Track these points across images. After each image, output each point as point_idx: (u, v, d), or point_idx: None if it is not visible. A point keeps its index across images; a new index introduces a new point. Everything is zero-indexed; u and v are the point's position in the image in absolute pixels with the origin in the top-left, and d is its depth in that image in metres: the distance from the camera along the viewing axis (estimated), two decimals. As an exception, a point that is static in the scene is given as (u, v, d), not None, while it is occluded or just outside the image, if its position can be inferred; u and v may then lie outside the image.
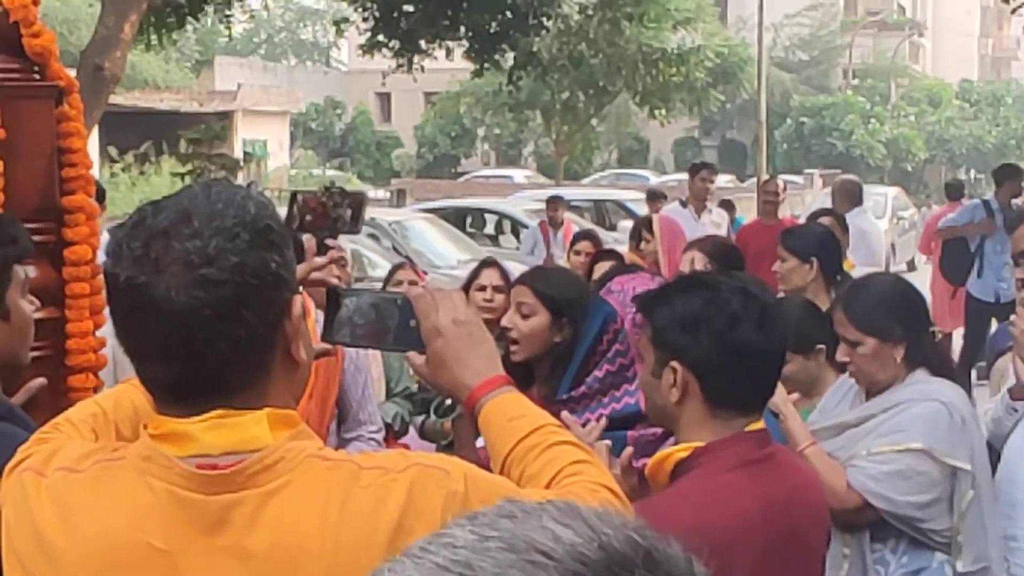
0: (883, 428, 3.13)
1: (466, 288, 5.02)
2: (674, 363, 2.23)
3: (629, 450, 2.43)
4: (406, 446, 4.92)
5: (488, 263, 5.09)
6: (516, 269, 7.86)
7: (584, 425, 2.73)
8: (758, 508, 2.21)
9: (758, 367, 2.26)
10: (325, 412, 3.83)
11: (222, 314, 1.44)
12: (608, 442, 2.48)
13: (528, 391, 3.55)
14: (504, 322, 3.63)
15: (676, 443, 2.30)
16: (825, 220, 6.41)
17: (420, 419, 4.72)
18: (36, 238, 2.53)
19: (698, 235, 8.99)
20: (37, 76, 2.56)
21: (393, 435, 4.52)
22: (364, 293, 1.84)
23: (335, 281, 1.85)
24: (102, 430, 1.74)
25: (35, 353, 2.54)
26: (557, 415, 2.62)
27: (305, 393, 3.69)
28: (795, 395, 3.26)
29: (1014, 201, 9.84)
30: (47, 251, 2.56)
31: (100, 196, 7.02)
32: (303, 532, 1.46)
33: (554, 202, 13.12)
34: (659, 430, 2.63)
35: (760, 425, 2.30)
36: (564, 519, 0.83)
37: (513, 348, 3.60)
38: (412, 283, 4.91)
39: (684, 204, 10.06)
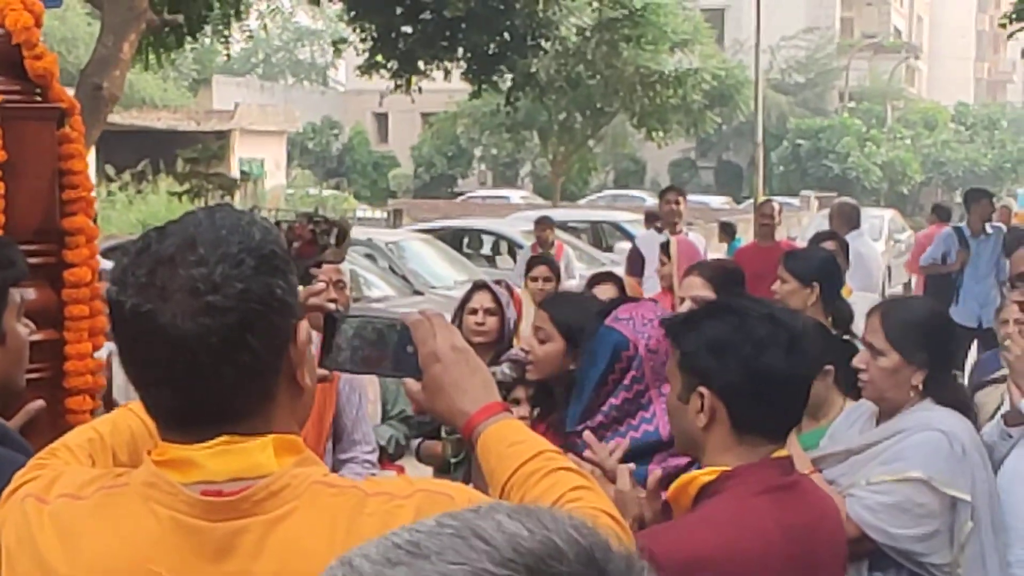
0: (884, 456, 3.12)
1: (459, 311, 5.01)
2: (701, 388, 2.24)
3: (657, 473, 2.44)
4: (401, 468, 4.91)
5: (479, 286, 5.07)
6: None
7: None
8: (780, 534, 2.20)
9: (785, 394, 2.26)
10: (322, 433, 3.84)
11: (228, 341, 1.43)
12: (632, 465, 2.48)
13: (552, 416, 3.59)
14: (523, 343, 3.67)
15: (700, 468, 2.30)
16: (828, 244, 6.40)
17: (417, 442, 4.72)
18: (36, 260, 2.54)
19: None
20: (39, 98, 2.57)
21: (388, 458, 4.50)
22: (362, 318, 1.83)
23: (332, 306, 1.85)
24: (99, 455, 1.74)
25: (33, 375, 2.53)
26: (573, 446, 2.62)
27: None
28: None
29: (997, 223, 9.95)
30: (47, 273, 2.56)
31: None
32: (309, 559, 1.45)
33: (542, 223, 12.88)
34: (682, 462, 2.60)
35: (785, 452, 2.30)
36: (517, 515, 0.89)
37: (529, 368, 3.66)
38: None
39: (660, 229, 10.05)
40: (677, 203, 9.87)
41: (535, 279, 7.15)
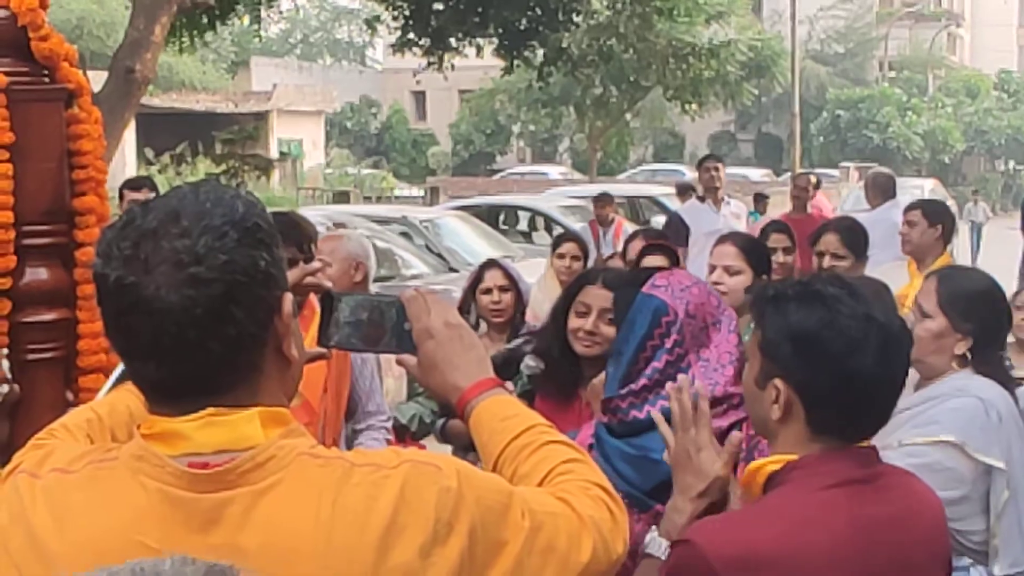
0: (918, 420, 3.10)
1: (470, 291, 4.98)
2: (778, 381, 2.07)
3: (737, 435, 2.34)
4: (422, 447, 4.92)
5: (489, 264, 5.04)
6: (537, 266, 7.70)
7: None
8: (854, 531, 2.02)
9: (872, 398, 2.08)
10: (340, 405, 3.86)
11: (212, 312, 1.44)
12: (740, 434, 2.45)
13: (578, 389, 3.59)
14: (589, 327, 3.66)
15: (771, 454, 2.17)
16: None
17: (441, 421, 4.71)
18: (47, 240, 2.56)
19: (719, 227, 9.01)
20: (46, 79, 2.58)
21: (411, 436, 4.50)
22: (359, 296, 1.84)
23: (329, 284, 1.86)
24: (97, 435, 1.75)
25: (47, 354, 2.56)
26: (615, 411, 2.64)
27: (320, 388, 3.73)
28: None
29: None
30: (58, 253, 2.58)
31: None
32: (296, 530, 1.46)
33: (602, 200, 12.35)
34: (724, 424, 2.61)
35: (868, 442, 2.14)
36: None
37: (588, 344, 3.64)
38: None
39: (702, 199, 10.02)
40: (716, 170, 9.85)
41: (562, 256, 6.89)
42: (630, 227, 12.61)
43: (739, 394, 2.66)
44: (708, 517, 2.14)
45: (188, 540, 1.46)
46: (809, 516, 2.02)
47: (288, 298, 1.54)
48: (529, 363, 4.12)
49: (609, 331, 3.62)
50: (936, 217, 6.24)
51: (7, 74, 2.47)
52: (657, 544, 2.22)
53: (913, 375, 3.31)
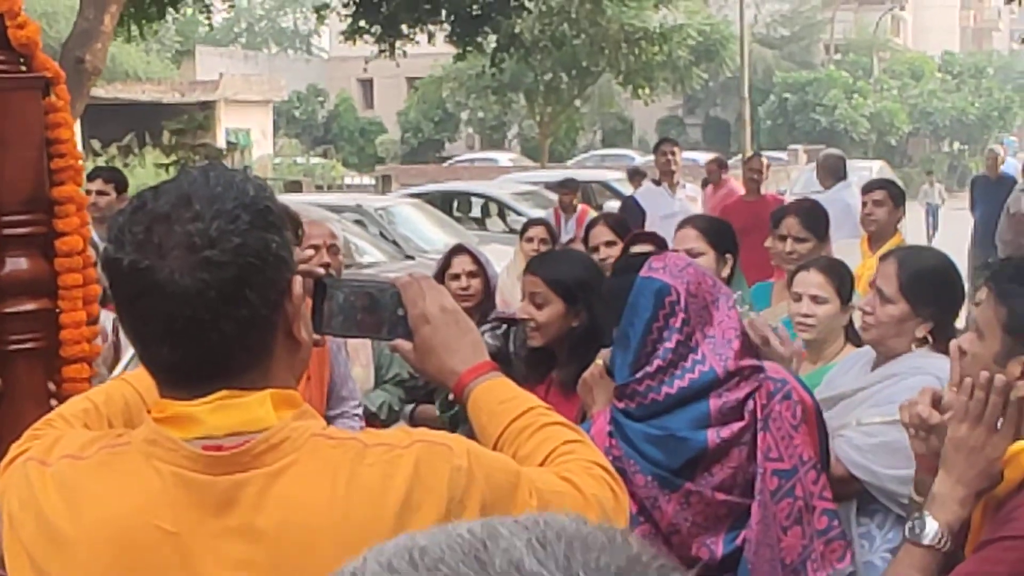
0: (876, 398, 3.15)
1: (439, 277, 4.99)
2: None
3: (928, 391, 2.27)
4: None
5: (457, 250, 5.02)
6: (492, 252, 7.69)
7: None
8: None
9: None
10: (323, 391, 3.87)
11: (226, 295, 1.45)
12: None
13: (548, 377, 3.62)
14: (520, 313, 3.69)
15: (1020, 437, 2.10)
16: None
17: (410, 408, 4.72)
18: (27, 230, 2.54)
19: (675, 211, 9.08)
20: (23, 68, 2.56)
21: (380, 424, 4.51)
22: (352, 283, 1.84)
23: (321, 271, 1.86)
24: (94, 425, 1.75)
25: (29, 345, 2.55)
26: (632, 396, 2.69)
27: (303, 375, 3.73)
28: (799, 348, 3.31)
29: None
30: (38, 243, 2.57)
31: (123, 187, 7.00)
32: (311, 510, 1.47)
33: (567, 186, 12.08)
34: (740, 395, 2.66)
35: None
36: (547, 540, 0.79)
37: (532, 335, 3.67)
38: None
39: (657, 183, 10.08)
40: (672, 154, 9.91)
41: (530, 240, 6.88)
42: (595, 214, 12.62)
43: (749, 366, 2.71)
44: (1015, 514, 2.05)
45: (204, 523, 1.47)
46: None
47: (298, 280, 1.56)
48: (488, 340, 4.14)
49: (537, 314, 3.64)
50: (900, 199, 6.35)
51: (-15, 63, 2.46)
52: (933, 533, 2.11)
53: (871, 354, 3.37)
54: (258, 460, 1.48)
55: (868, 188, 6.66)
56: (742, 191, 10.32)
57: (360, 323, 1.82)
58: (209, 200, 1.47)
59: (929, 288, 3.19)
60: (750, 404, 2.68)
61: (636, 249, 5.00)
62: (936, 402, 2.20)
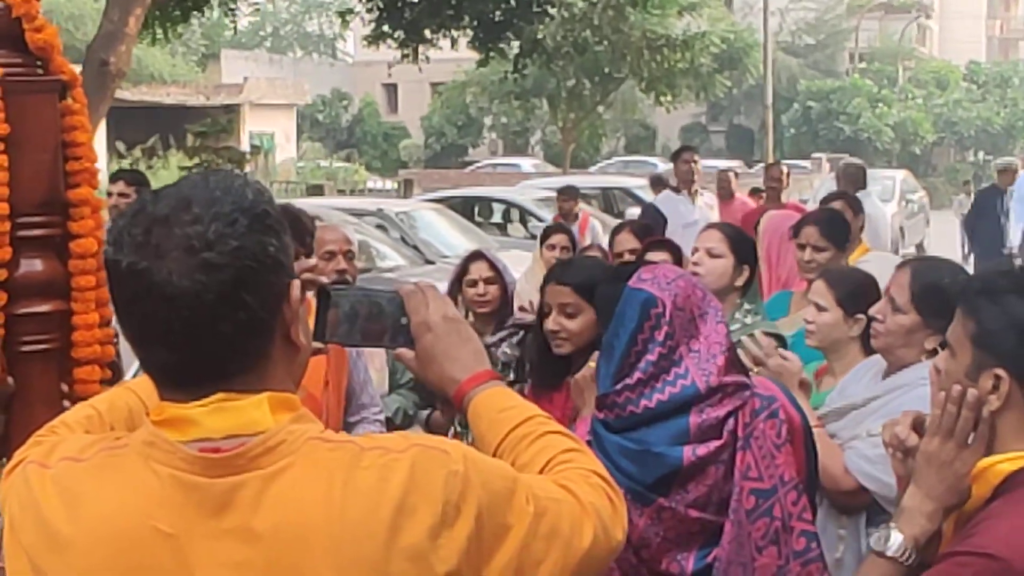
0: (885, 409, 3.14)
1: (456, 283, 4.99)
2: (999, 371, 2.05)
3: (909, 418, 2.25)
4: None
5: (475, 256, 5.03)
6: (513, 258, 7.69)
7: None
8: None
9: None
10: (340, 397, 3.87)
11: (223, 297, 1.46)
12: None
13: (565, 382, 3.60)
14: (551, 325, 3.68)
15: (991, 452, 2.09)
16: (837, 204, 6.39)
17: (426, 413, 4.72)
18: (41, 231, 2.55)
19: (696, 219, 9.07)
20: (40, 71, 2.57)
21: (395, 429, 4.52)
22: (356, 291, 1.85)
23: (324, 279, 1.87)
24: (96, 431, 1.76)
25: (42, 346, 2.56)
26: (611, 407, 2.65)
27: (321, 381, 3.73)
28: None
29: None
30: (53, 244, 2.57)
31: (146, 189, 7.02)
32: (307, 512, 1.47)
33: (565, 193, 12.04)
34: (721, 413, 2.63)
35: None
36: None
37: (561, 343, 3.65)
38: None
39: (676, 190, 10.06)
40: (695, 162, 9.92)
41: (552, 247, 6.89)
42: (596, 221, 12.56)
43: (733, 383, 2.68)
44: (989, 525, 2.02)
45: (201, 524, 1.48)
46: None
47: (296, 284, 1.57)
48: (505, 350, 4.14)
49: (570, 324, 3.64)
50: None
51: (2, 65, 2.45)
52: (897, 545, 2.10)
53: (882, 363, 3.36)
54: (255, 462, 1.49)
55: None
56: (751, 204, 10.27)
57: (363, 331, 1.83)
58: (208, 203, 1.48)
59: (941, 300, 3.18)
60: (730, 423, 2.63)
61: (651, 256, 4.99)
62: (918, 425, 2.19)
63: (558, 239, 6.98)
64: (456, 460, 1.54)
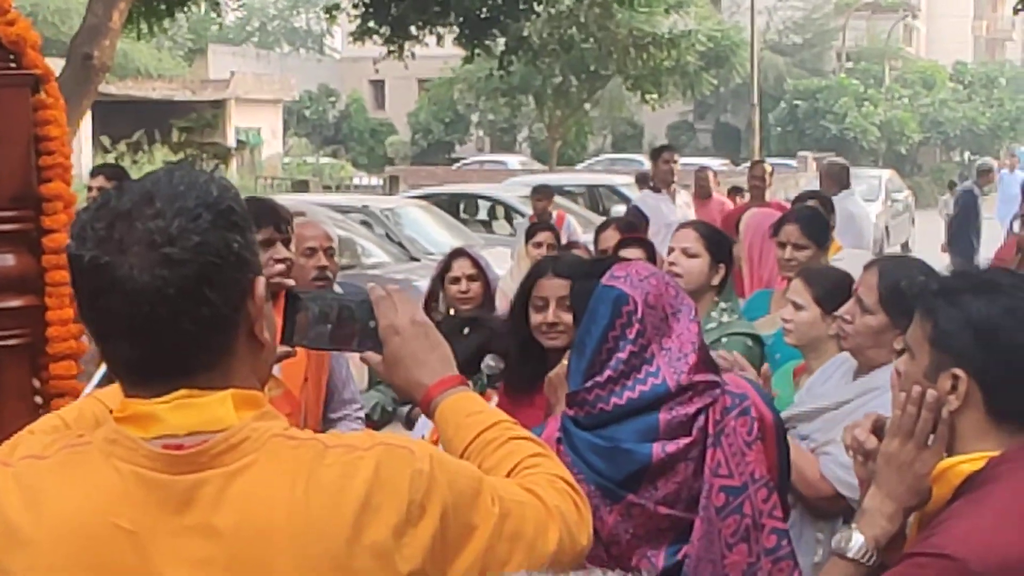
0: (858, 413, 3.13)
1: (439, 280, 4.99)
2: (957, 371, 2.05)
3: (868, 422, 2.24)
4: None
5: (457, 253, 5.05)
6: (498, 255, 7.69)
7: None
8: None
9: None
10: (320, 394, 3.86)
11: (185, 292, 1.46)
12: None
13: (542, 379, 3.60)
14: (550, 318, 3.67)
15: (952, 453, 2.09)
16: (812, 203, 6.42)
17: (406, 409, 4.72)
18: (14, 226, 2.55)
19: (679, 219, 9.08)
20: (13, 64, 2.56)
21: (372, 424, 4.51)
22: (326, 296, 1.86)
23: (291, 282, 1.86)
24: None
25: (15, 341, 2.55)
26: (581, 404, 2.65)
27: (300, 378, 3.73)
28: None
29: None
30: (26, 239, 2.57)
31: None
32: (270, 509, 1.47)
33: (539, 193, 11.90)
34: (691, 410, 2.63)
35: None
36: None
37: (557, 336, 3.65)
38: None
39: (657, 189, 10.06)
40: (674, 162, 9.93)
41: (539, 245, 6.93)
42: (572, 218, 12.51)
43: (703, 381, 2.68)
44: (948, 525, 2.01)
45: (163, 521, 1.48)
46: None
47: (261, 281, 1.56)
48: (489, 363, 4.13)
49: (568, 318, 3.63)
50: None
51: (-27, 59, 2.46)
52: (858, 546, 2.09)
53: (851, 362, 3.36)
54: (217, 460, 1.49)
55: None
56: (730, 206, 10.27)
57: (332, 335, 1.83)
58: (171, 198, 1.48)
59: (908, 300, 3.18)
60: (700, 420, 2.63)
61: (625, 253, 5.00)
62: (878, 427, 2.19)
63: (544, 236, 7.01)
64: (422, 459, 1.54)
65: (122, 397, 1.56)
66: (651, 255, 5.06)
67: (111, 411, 1.56)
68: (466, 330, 4.48)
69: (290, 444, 1.52)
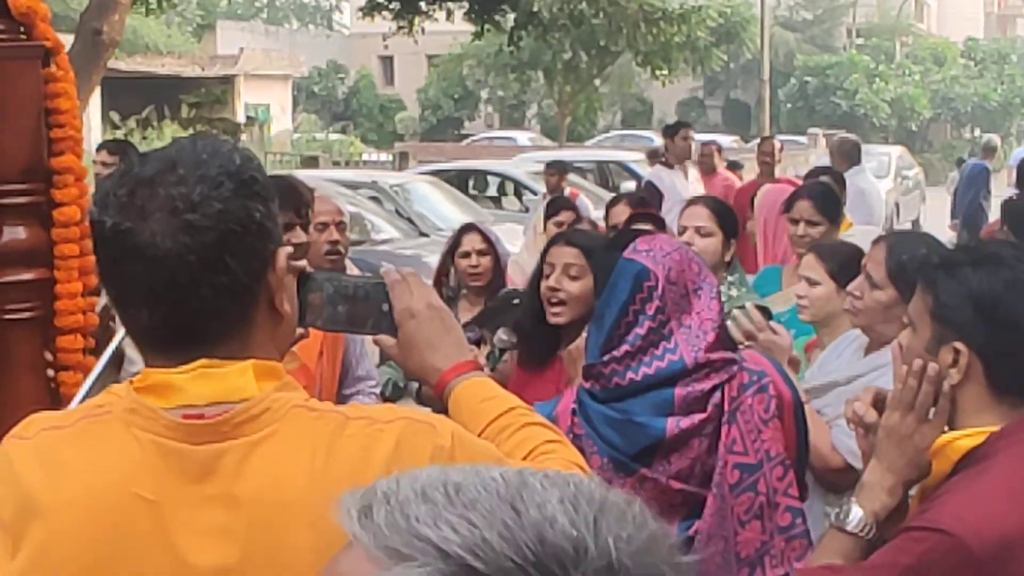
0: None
1: (449, 255, 4.99)
2: (958, 344, 2.04)
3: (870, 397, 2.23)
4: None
5: (467, 228, 5.05)
6: (507, 231, 7.66)
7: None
8: None
9: None
10: (335, 369, 3.86)
11: (205, 260, 1.45)
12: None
13: (558, 352, 3.58)
14: (551, 283, 3.65)
15: (953, 427, 2.08)
16: (824, 178, 6.39)
17: (416, 385, 4.72)
18: (24, 199, 2.54)
19: (690, 193, 9.07)
20: (23, 36, 2.55)
21: (384, 400, 4.51)
22: (341, 277, 1.85)
23: (304, 264, 1.85)
24: None
25: (25, 314, 2.55)
26: (597, 377, 2.65)
27: (315, 353, 3.72)
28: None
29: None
30: (36, 212, 2.56)
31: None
32: (290, 479, 1.47)
33: (552, 168, 11.78)
34: (706, 386, 2.62)
35: None
36: (569, 501, 0.83)
37: (557, 310, 3.62)
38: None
39: (670, 165, 10.04)
40: (692, 138, 9.97)
41: (560, 224, 6.68)
42: (584, 196, 12.43)
43: (720, 359, 2.67)
44: (944, 500, 2.01)
45: (183, 491, 1.47)
46: None
47: (283, 252, 1.56)
48: (502, 336, 4.11)
49: (572, 286, 3.60)
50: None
51: (-17, 31, 2.44)
52: (857, 520, 2.08)
53: (863, 337, 3.35)
54: (238, 430, 1.48)
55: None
56: (735, 180, 10.25)
57: (346, 316, 1.82)
58: (194, 166, 1.47)
59: (915, 274, 3.17)
60: (716, 397, 2.63)
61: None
62: (878, 401, 2.17)
63: (566, 216, 6.86)
64: (443, 435, 1.53)
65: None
66: (662, 231, 5.05)
67: (131, 382, 1.56)
68: (516, 300, 4.48)
69: (311, 415, 1.51)
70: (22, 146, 2.50)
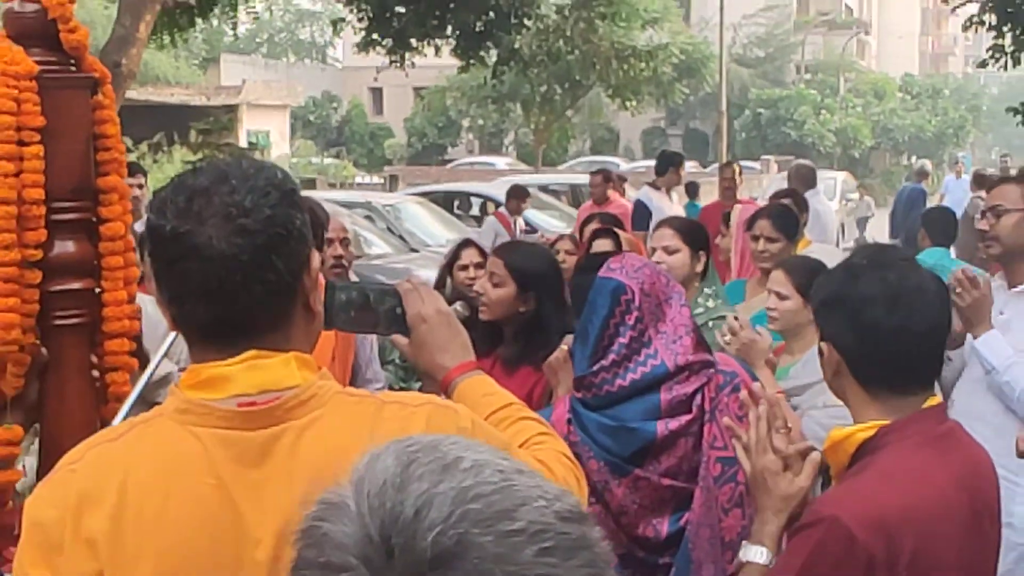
0: None
1: (448, 268, 5.03)
2: (823, 343, 2.09)
3: (817, 454, 2.19)
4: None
5: (465, 244, 5.10)
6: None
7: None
8: (951, 484, 2.00)
9: (897, 349, 2.02)
10: (346, 372, 3.88)
11: (256, 260, 1.50)
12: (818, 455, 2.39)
13: (495, 353, 3.63)
14: (476, 287, 3.73)
15: (853, 422, 2.10)
16: (786, 200, 6.44)
17: (417, 386, 4.74)
18: (74, 216, 2.54)
19: (675, 212, 9.19)
20: (73, 68, 2.56)
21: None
22: (357, 286, 1.93)
23: (330, 276, 1.95)
24: None
25: (75, 321, 2.55)
26: (589, 387, 2.69)
27: (328, 355, 3.73)
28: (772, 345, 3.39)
29: None
30: (84, 227, 2.57)
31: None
32: (341, 453, 1.46)
33: (515, 194, 11.68)
34: (689, 389, 2.65)
35: (935, 400, 2.09)
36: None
37: (482, 309, 3.70)
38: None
39: (656, 187, 10.08)
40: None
41: (556, 252, 6.82)
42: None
43: (698, 362, 2.70)
44: (828, 492, 2.04)
45: (246, 475, 1.50)
46: (919, 476, 1.98)
47: (316, 256, 1.61)
48: (457, 308, 4.15)
49: (491, 291, 3.65)
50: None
51: (38, 63, 2.44)
52: (757, 552, 2.07)
53: None
54: (290, 414, 1.52)
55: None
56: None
57: (363, 319, 1.91)
58: (244, 178, 1.52)
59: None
60: (698, 398, 2.67)
61: (597, 245, 5.11)
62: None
63: (563, 244, 6.31)
64: (465, 418, 1.60)
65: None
66: (618, 245, 5.15)
67: (177, 386, 1.58)
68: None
69: (352, 400, 1.57)
70: (72, 167, 2.51)
